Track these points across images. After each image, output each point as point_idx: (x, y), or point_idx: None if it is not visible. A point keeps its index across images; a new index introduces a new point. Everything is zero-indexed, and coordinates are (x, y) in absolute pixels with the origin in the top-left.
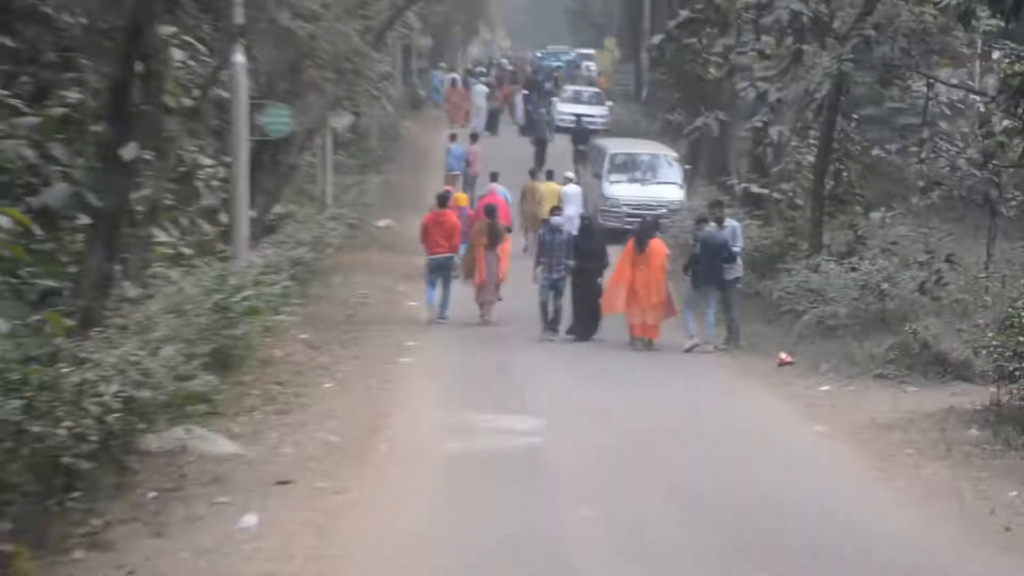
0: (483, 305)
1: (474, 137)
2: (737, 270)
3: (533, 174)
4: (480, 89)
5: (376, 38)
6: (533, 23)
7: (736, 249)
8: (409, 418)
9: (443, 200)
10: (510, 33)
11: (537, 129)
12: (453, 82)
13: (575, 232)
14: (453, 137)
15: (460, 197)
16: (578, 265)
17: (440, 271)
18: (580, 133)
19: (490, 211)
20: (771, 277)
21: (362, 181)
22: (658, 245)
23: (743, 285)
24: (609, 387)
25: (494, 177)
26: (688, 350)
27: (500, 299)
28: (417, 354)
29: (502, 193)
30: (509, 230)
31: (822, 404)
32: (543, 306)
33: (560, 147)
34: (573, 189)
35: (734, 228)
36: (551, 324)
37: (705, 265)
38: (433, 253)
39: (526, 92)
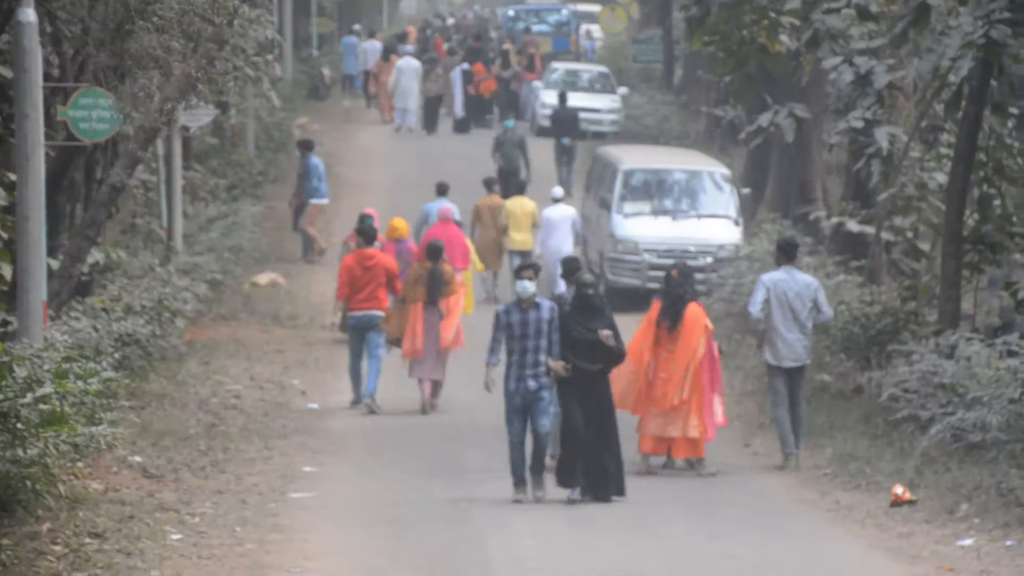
0: (424, 384)
1: (308, 145)
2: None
3: (490, 186)
4: (409, 65)
5: None
6: None
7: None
8: None
9: (367, 233)
10: None
11: (505, 151)
12: (385, 55)
13: (558, 292)
14: (306, 146)
15: (398, 224)
16: (575, 366)
17: (362, 334)
18: (564, 119)
19: (433, 251)
20: (879, 366)
21: (231, 213)
22: (696, 315)
23: (833, 378)
24: (622, 543)
25: (442, 190)
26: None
27: (439, 380)
28: (320, 484)
29: (457, 217)
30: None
31: (964, 570)
32: (516, 448)
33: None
34: (562, 213)
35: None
36: (534, 472)
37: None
38: (352, 309)
39: (466, 67)
